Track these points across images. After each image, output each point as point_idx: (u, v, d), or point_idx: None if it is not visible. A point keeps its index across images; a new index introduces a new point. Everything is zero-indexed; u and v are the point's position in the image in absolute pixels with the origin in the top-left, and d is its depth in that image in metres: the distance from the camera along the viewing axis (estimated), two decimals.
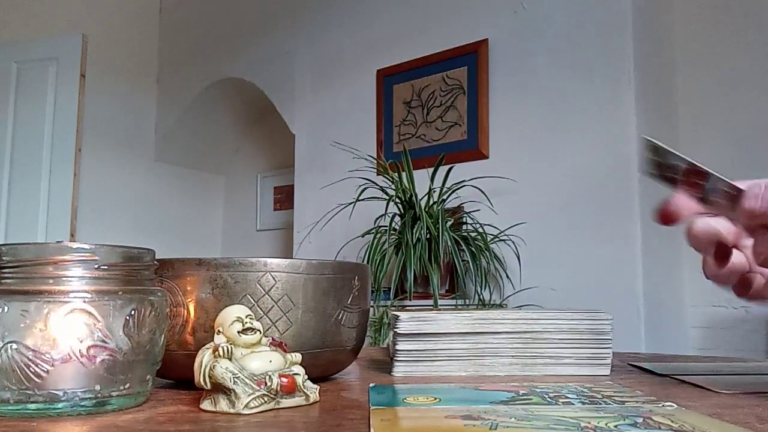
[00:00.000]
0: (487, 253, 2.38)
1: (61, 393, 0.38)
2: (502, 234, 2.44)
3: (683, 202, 0.44)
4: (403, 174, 2.46)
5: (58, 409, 0.39)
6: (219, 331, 0.43)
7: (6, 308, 0.38)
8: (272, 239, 4.07)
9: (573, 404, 0.41)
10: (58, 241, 0.42)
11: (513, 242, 2.42)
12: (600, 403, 0.41)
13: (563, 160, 2.44)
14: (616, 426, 0.34)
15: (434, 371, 0.60)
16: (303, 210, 3.21)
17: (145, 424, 0.37)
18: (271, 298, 0.51)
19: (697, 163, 0.41)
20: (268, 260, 0.51)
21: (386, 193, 2.44)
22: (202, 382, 0.41)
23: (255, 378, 0.41)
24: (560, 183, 2.44)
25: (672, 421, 0.35)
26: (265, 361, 0.42)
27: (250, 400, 0.40)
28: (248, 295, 0.50)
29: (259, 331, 0.43)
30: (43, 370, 0.38)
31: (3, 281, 0.40)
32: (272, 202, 4.11)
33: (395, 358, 0.60)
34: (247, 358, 0.42)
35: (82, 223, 3.39)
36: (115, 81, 3.67)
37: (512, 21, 2.64)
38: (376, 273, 2.31)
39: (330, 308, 0.54)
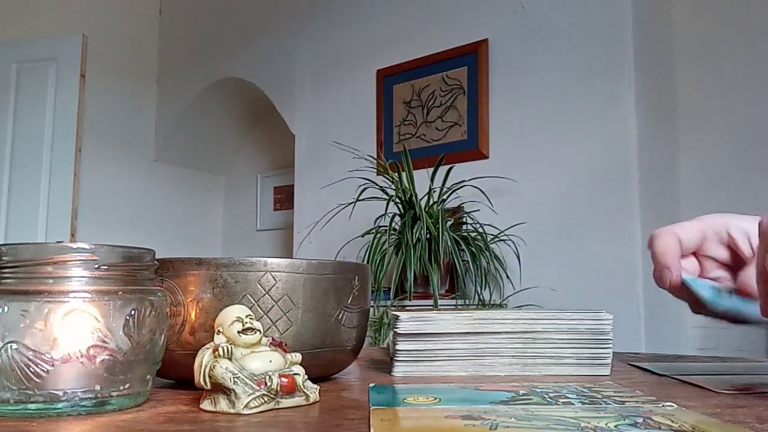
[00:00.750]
0: (487, 253, 2.38)
1: (61, 393, 0.38)
2: (502, 234, 2.44)
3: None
4: (403, 174, 2.46)
5: (58, 409, 0.39)
6: (219, 331, 0.43)
7: (6, 308, 0.38)
8: (272, 239, 4.07)
9: (573, 404, 0.41)
10: (58, 241, 0.42)
11: (513, 242, 2.42)
12: (600, 403, 0.41)
13: (563, 160, 2.44)
14: (616, 426, 0.34)
15: (434, 371, 0.60)
16: (303, 210, 3.21)
17: (145, 424, 0.37)
18: (271, 298, 0.51)
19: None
20: (269, 260, 0.51)
21: (386, 193, 2.44)
22: (202, 382, 0.41)
23: (255, 378, 0.41)
24: (560, 183, 2.44)
25: (672, 421, 0.35)
26: (265, 361, 0.42)
27: (250, 400, 0.40)
28: (248, 295, 0.50)
29: (259, 331, 0.43)
30: (43, 370, 0.38)
31: (3, 281, 0.40)
32: (272, 202, 4.11)
33: (395, 358, 0.60)
34: (247, 358, 0.42)
35: (82, 223, 3.38)
36: (115, 81, 3.67)
37: (512, 21, 2.64)
38: (376, 273, 2.31)
39: (330, 308, 0.54)
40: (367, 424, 0.36)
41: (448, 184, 2.43)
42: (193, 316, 0.50)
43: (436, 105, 2.83)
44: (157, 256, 0.47)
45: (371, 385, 0.51)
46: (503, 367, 0.60)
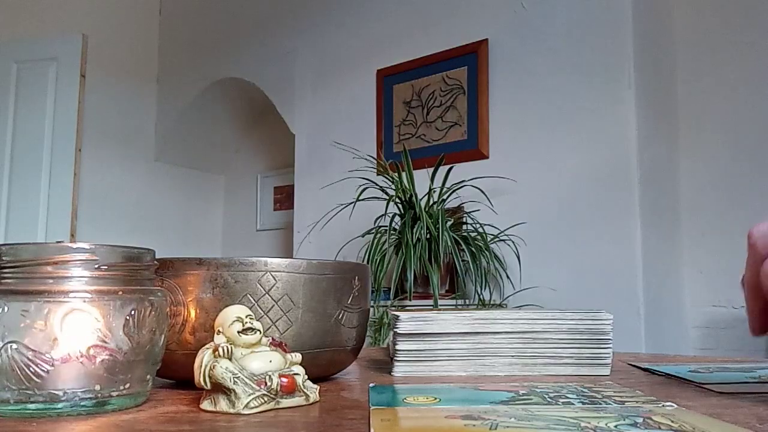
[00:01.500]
0: (487, 253, 2.38)
1: (61, 393, 0.38)
2: (502, 234, 2.44)
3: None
4: (403, 174, 2.46)
5: (58, 409, 0.39)
6: (219, 331, 0.43)
7: (6, 308, 0.38)
8: (272, 239, 4.07)
9: (573, 404, 0.41)
10: (58, 241, 0.42)
11: (513, 242, 2.42)
12: (600, 403, 0.41)
13: (563, 160, 2.44)
14: (616, 426, 0.34)
15: (434, 371, 0.60)
16: (303, 210, 3.21)
17: (145, 424, 0.37)
18: (272, 298, 0.51)
19: None
20: (269, 260, 0.51)
21: (386, 193, 2.44)
22: (202, 382, 0.41)
23: (255, 378, 0.41)
24: (560, 183, 2.44)
25: (672, 421, 0.35)
26: (265, 361, 0.42)
27: (250, 400, 0.40)
28: (248, 295, 0.50)
29: (259, 331, 0.43)
30: (43, 370, 0.38)
31: (3, 281, 0.40)
32: (272, 202, 4.11)
33: (395, 358, 0.60)
34: (247, 358, 0.42)
35: (82, 223, 3.38)
36: (115, 81, 3.67)
37: (512, 21, 2.64)
38: (376, 273, 2.31)
39: (330, 308, 0.54)
40: (367, 424, 0.36)
41: (448, 184, 2.43)
42: (193, 316, 0.50)
43: (436, 105, 2.83)
44: (157, 256, 0.47)
45: (371, 385, 0.51)
46: (503, 367, 0.60)
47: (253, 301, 0.50)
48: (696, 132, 2.61)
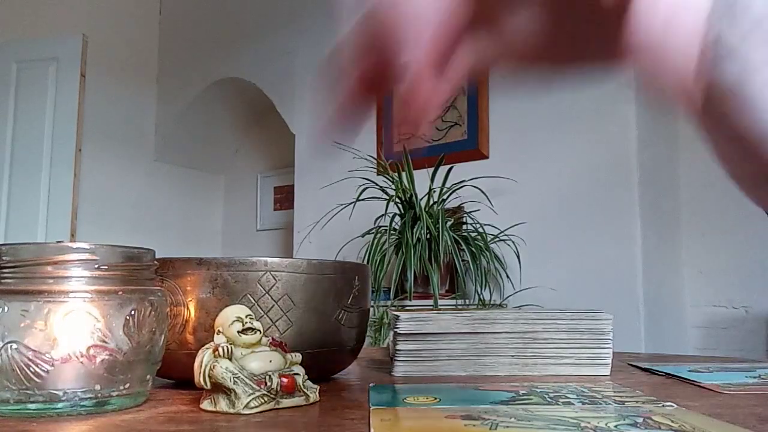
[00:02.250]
0: (487, 253, 2.38)
1: (61, 393, 0.38)
2: (502, 234, 2.44)
3: None
4: (403, 174, 2.46)
5: (58, 409, 0.39)
6: (219, 331, 0.43)
7: (6, 308, 0.38)
8: (272, 239, 4.07)
9: (573, 404, 0.41)
10: (58, 241, 0.42)
11: (513, 242, 2.42)
12: (600, 403, 0.41)
13: (563, 160, 2.44)
14: (616, 426, 0.34)
15: (434, 371, 0.60)
16: (303, 210, 3.21)
17: (145, 424, 0.37)
18: (272, 298, 0.51)
19: None
20: (269, 260, 0.51)
21: (386, 193, 2.44)
22: (202, 382, 0.41)
23: (255, 378, 0.41)
24: (560, 183, 2.44)
25: (672, 421, 0.35)
26: (265, 361, 0.42)
27: (250, 400, 0.40)
28: (248, 295, 0.50)
29: (259, 331, 0.43)
30: (43, 370, 0.38)
31: (3, 281, 0.40)
32: (272, 202, 4.11)
33: (395, 358, 0.60)
34: (247, 358, 0.42)
35: (83, 222, 3.39)
36: (115, 81, 3.67)
37: None
38: (376, 273, 2.31)
39: (330, 308, 0.54)
40: (367, 424, 0.36)
41: (448, 184, 2.43)
42: (193, 316, 0.50)
43: None
44: (157, 256, 0.47)
45: (371, 385, 0.51)
46: (503, 367, 0.60)
47: (253, 301, 0.50)
48: (696, 132, 2.61)
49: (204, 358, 0.41)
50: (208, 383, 0.40)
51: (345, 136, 0.31)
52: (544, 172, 2.48)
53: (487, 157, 2.64)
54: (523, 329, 0.60)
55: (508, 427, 0.34)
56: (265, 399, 0.40)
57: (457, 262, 2.30)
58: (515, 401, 0.42)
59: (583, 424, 0.34)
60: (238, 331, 0.42)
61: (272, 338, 0.45)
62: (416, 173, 2.50)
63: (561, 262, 2.39)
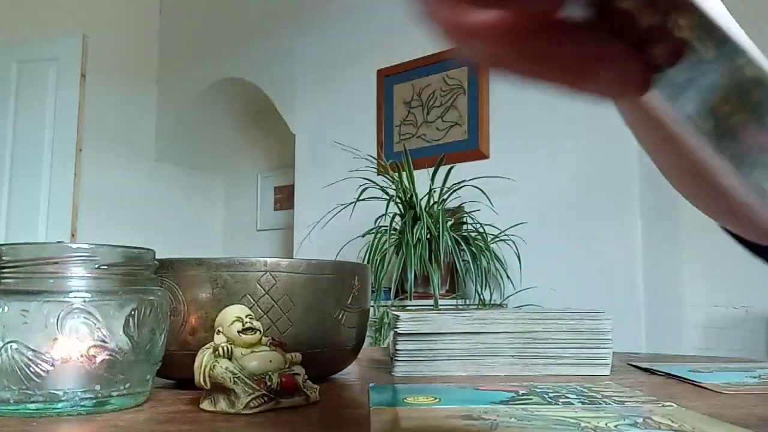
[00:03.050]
0: (488, 253, 2.38)
1: (61, 393, 0.38)
2: (503, 234, 2.44)
3: None
4: (404, 174, 2.46)
5: (58, 409, 0.39)
6: (219, 331, 0.43)
7: (6, 308, 0.38)
8: (272, 239, 4.07)
9: (573, 404, 0.41)
10: (58, 241, 0.42)
11: (513, 242, 2.42)
12: (600, 403, 0.41)
13: (563, 160, 2.44)
14: (616, 426, 0.34)
15: (434, 371, 0.60)
16: (303, 210, 3.21)
17: (145, 424, 0.37)
18: (271, 298, 0.51)
19: None
20: (269, 260, 0.51)
21: (386, 193, 2.44)
22: (202, 382, 0.41)
23: (255, 378, 0.41)
24: (560, 183, 2.44)
25: (672, 421, 0.35)
26: (265, 361, 0.42)
27: (250, 400, 0.40)
28: (248, 295, 0.50)
29: (259, 330, 0.43)
30: (43, 370, 0.38)
31: (3, 281, 0.40)
32: (272, 202, 4.11)
33: (395, 358, 0.60)
34: (247, 358, 0.42)
35: (83, 222, 3.39)
36: (115, 81, 3.67)
37: None
38: (376, 273, 2.31)
39: (330, 308, 0.54)
40: (367, 424, 0.36)
41: (448, 184, 2.43)
42: (193, 316, 0.50)
43: (437, 105, 2.83)
44: (157, 256, 0.47)
45: (371, 385, 0.51)
46: (503, 367, 0.60)
47: (253, 301, 0.50)
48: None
49: (204, 358, 0.41)
50: (208, 383, 0.40)
51: None
52: (544, 172, 2.48)
53: (487, 157, 2.64)
54: (523, 329, 0.60)
55: (508, 427, 0.34)
56: (265, 399, 0.40)
57: (457, 262, 2.30)
58: (515, 401, 0.42)
59: (583, 424, 0.34)
60: (238, 331, 0.42)
61: (272, 338, 0.45)
62: (416, 173, 2.50)
63: (561, 262, 2.39)
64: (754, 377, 0.58)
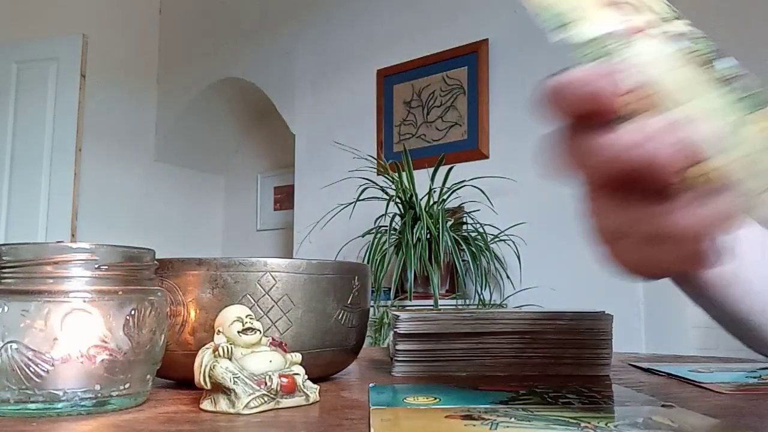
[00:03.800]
0: (488, 253, 2.38)
1: (61, 393, 0.38)
2: (502, 234, 2.44)
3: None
4: (404, 174, 2.46)
5: (58, 409, 0.39)
6: (219, 331, 0.43)
7: (6, 308, 0.38)
8: (272, 239, 4.07)
9: (573, 404, 0.41)
10: (58, 241, 0.42)
11: (513, 242, 2.42)
12: (600, 403, 0.41)
13: None
14: (616, 426, 0.34)
15: (434, 371, 0.60)
16: (303, 210, 3.21)
17: (145, 424, 0.37)
18: (271, 298, 0.51)
19: None
20: (268, 260, 0.51)
21: (386, 193, 2.44)
22: (202, 382, 0.41)
23: (255, 378, 0.41)
24: (560, 183, 2.44)
25: (672, 421, 0.35)
26: (265, 361, 0.42)
27: (250, 400, 0.40)
28: (248, 295, 0.50)
29: (259, 331, 0.43)
30: (43, 370, 0.38)
31: (3, 281, 0.40)
32: (272, 202, 4.11)
33: (395, 358, 0.60)
34: (247, 358, 0.42)
35: (83, 222, 3.39)
36: (115, 81, 3.67)
37: (512, 21, 2.63)
38: (376, 273, 2.31)
39: (330, 308, 0.54)
40: (367, 424, 0.36)
41: (448, 184, 2.43)
42: (193, 316, 0.50)
43: (437, 105, 2.83)
44: (157, 256, 0.47)
45: (371, 385, 0.51)
46: (503, 367, 0.60)
47: (253, 302, 0.50)
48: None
49: (204, 358, 0.41)
50: (208, 383, 0.40)
51: None
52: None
53: (487, 157, 2.64)
54: (523, 329, 0.60)
55: (508, 427, 0.34)
56: (265, 399, 0.40)
57: (457, 262, 2.30)
58: (515, 401, 0.42)
59: (583, 424, 0.34)
60: (238, 331, 0.42)
61: (272, 338, 0.45)
62: (416, 173, 2.51)
63: (561, 262, 2.39)
64: (754, 377, 0.58)
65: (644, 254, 0.32)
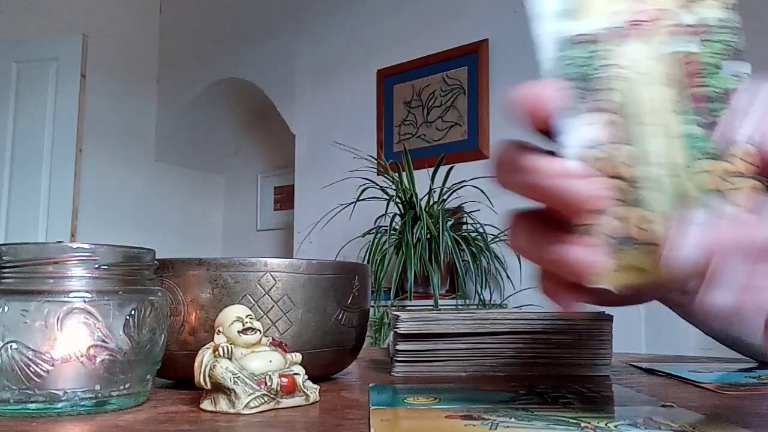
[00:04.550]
0: (488, 253, 2.38)
1: (61, 393, 0.38)
2: (503, 234, 2.44)
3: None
4: (404, 174, 2.46)
5: (58, 409, 0.39)
6: (219, 331, 0.43)
7: (6, 308, 0.38)
8: (272, 239, 4.07)
9: (573, 404, 0.41)
10: (58, 241, 0.42)
11: None
12: (600, 403, 0.41)
13: None
14: (616, 426, 0.34)
15: (434, 371, 0.60)
16: (303, 210, 3.21)
17: (145, 424, 0.37)
18: (271, 298, 0.51)
19: None
20: (268, 260, 0.51)
21: (386, 193, 2.44)
22: (202, 382, 0.41)
23: (255, 378, 0.41)
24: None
25: (672, 421, 0.35)
26: (265, 361, 0.42)
27: (250, 400, 0.40)
28: (248, 295, 0.50)
29: (259, 331, 0.43)
30: (43, 370, 0.38)
31: (3, 281, 0.40)
32: (272, 202, 4.11)
33: (395, 358, 0.60)
34: (247, 358, 0.42)
35: (83, 222, 3.39)
36: (115, 81, 3.67)
37: (512, 21, 2.64)
38: (376, 273, 2.31)
39: (330, 308, 0.54)
40: (367, 424, 0.36)
41: (448, 184, 2.43)
42: (193, 316, 0.50)
43: (437, 105, 2.83)
44: (157, 256, 0.47)
45: (371, 385, 0.51)
46: (503, 367, 0.60)
47: (253, 302, 0.50)
48: None
49: (204, 358, 0.41)
50: (208, 383, 0.40)
51: None
52: None
53: (487, 157, 2.64)
54: (523, 329, 0.60)
55: (508, 427, 0.34)
56: (265, 399, 0.40)
57: (457, 262, 2.30)
58: (515, 401, 0.42)
59: (583, 424, 0.34)
60: (238, 331, 0.42)
61: (272, 338, 0.45)
62: (416, 173, 2.51)
63: None
64: (754, 377, 0.58)
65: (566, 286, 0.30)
